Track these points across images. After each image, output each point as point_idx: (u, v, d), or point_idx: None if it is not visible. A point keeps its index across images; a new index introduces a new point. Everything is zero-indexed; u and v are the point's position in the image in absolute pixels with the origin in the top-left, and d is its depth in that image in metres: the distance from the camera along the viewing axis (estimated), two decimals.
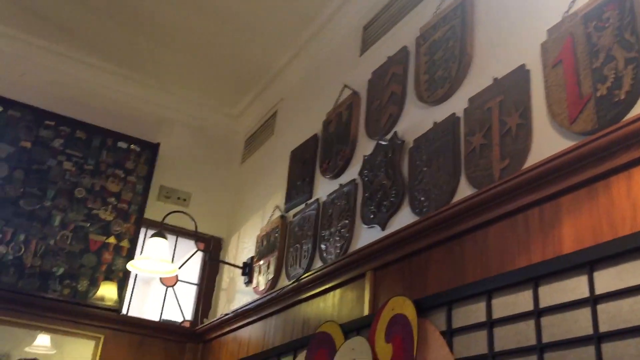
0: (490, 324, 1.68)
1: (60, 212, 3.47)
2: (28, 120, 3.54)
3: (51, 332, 3.27)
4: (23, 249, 3.31)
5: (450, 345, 1.77)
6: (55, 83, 3.75)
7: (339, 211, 2.69)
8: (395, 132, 2.45)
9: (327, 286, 2.53)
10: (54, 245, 3.40)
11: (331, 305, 2.49)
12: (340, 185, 2.75)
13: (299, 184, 3.20)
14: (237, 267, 3.49)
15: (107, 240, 3.56)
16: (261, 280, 3.18)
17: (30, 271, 3.30)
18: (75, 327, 3.33)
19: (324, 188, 2.92)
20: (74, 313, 3.35)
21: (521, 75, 1.91)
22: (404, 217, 2.22)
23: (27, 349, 3.19)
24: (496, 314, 1.67)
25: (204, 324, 3.55)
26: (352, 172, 2.71)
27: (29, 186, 3.43)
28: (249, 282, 3.35)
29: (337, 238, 2.63)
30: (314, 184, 3.05)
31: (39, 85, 3.69)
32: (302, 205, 3.05)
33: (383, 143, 2.51)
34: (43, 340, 3.25)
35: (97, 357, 3.30)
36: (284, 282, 2.92)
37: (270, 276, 3.08)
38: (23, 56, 3.70)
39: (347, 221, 2.61)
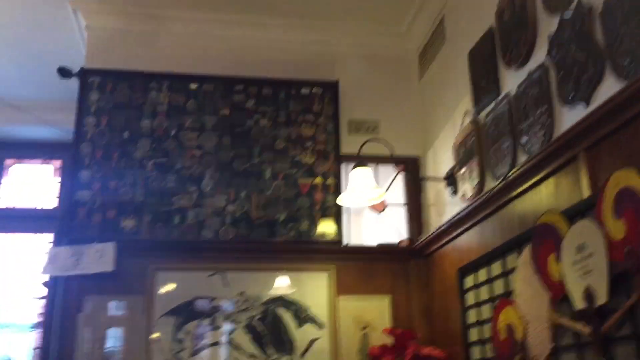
0: None
1: (268, 165, 3.79)
2: (221, 89, 3.87)
3: (287, 272, 3.62)
4: (247, 204, 3.69)
5: None
6: (233, 49, 4.03)
7: (534, 99, 2.57)
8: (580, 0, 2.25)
9: (537, 178, 2.45)
10: (271, 195, 3.74)
11: (546, 195, 2.42)
12: (529, 72, 2.61)
13: (483, 84, 3.10)
14: (440, 180, 3.52)
15: (314, 182, 3.82)
16: (467, 187, 3.18)
17: (258, 222, 3.68)
18: (307, 263, 3.65)
19: (511, 81, 2.80)
20: (303, 251, 3.68)
21: None
22: (609, 87, 2.05)
23: (271, 291, 3.58)
24: None
25: (421, 240, 3.67)
26: (539, 56, 2.55)
27: (237, 148, 3.79)
28: (454, 192, 3.37)
29: (538, 127, 2.52)
30: (500, 79, 2.93)
31: (220, 55, 4.00)
32: (492, 104, 2.96)
33: (567, 16, 2.32)
34: (283, 281, 3.62)
35: (333, 286, 3.61)
36: (491, 184, 2.89)
37: (476, 181, 3.06)
38: (199, 33, 4.02)
39: (544, 108, 2.48)
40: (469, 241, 3.12)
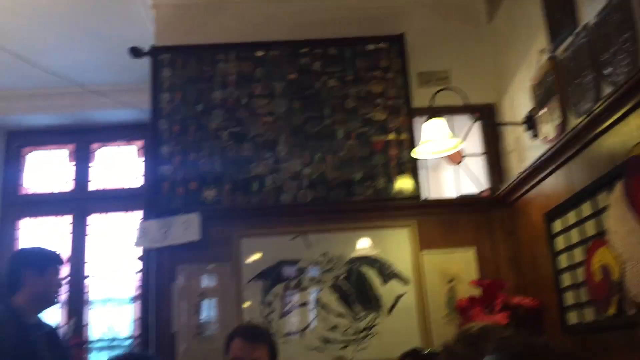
0: None
1: (340, 125, 3.78)
2: (287, 54, 3.87)
3: (368, 230, 3.61)
4: (323, 166, 3.71)
5: None
6: (296, 13, 4.00)
7: (616, 27, 2.41)
8: None
9: (625, 109, 2.30)
10: (345, 155, 3.73)
11: (636, 127, 2.28)
12: None
13: (558, 17, 2.93)
14: (519, 124, 3.39)
15: (387, 138, 3.77)
16: (549, 128, 3.04)
17: (335, 183, 3.69)
18: (387, 220, 3.63)
19: (589, 10, 2.63)
20: (382, 209, 3.66)
21: None
22: None
23: (354, 253, 3.58)
24: None
25: (503, 188, 3.56)
26: None
27: (308, 112, 3.80)
28: (535, 135, 3.24)
29: (622, 56, 2.37)
30: (576, 10, 2.76)
31: (284, 20, 3.99)
32: (570, 38, 2.80)
33: None
34: (364, 243, 3.62)
35: (415, 241, 3.57)
36: (575, 122, 2.75)
37: (558, 121, 2.93)
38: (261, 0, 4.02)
39: (628, 34, 2.32)
40: (555, 184, 3.00)
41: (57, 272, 2.68)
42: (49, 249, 2.76)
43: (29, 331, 2.52)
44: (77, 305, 4.64)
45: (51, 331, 2.72)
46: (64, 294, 4.29)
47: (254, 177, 3.69)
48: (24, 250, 2.71)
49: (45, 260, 2.68)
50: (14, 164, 4.80)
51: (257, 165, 3.70)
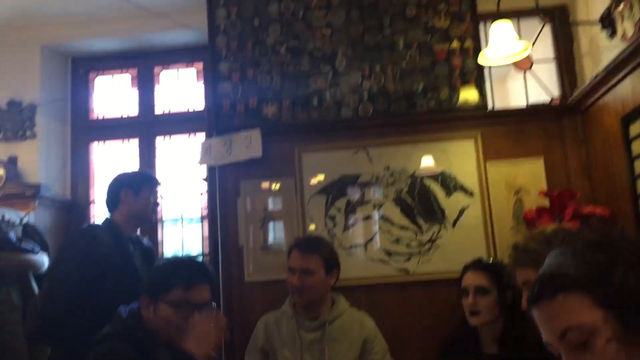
0: None
1: (400, 35, 3.63)
2: None
3: (431, 142, 3.51)
4: (383, 78, 3.60)
5: None
6: None
7: None
8: None
9: None
10: (406, 66, 3.61)
11: None
12: None
13: None
14: (594, 23, 3.15)
15: (451, 47, 3.60)
16: (627, 25, 2.82)
17: (395, 95, 3.59)
18: (450, 131, 3.52)
19: None
20: (445, 120, 3.54)
21: None
22: None
23: (416, 172, 3.51)
24: None
25: (576, 94, 3.37)
26: None
27: (366, 22, 3.66)
28: (612, 34, 3.01)
29: None
30: None
31: None
32: None
33: None
34: (427, 161, 3.53)
35: (479, 152, 3.47)
36: None
37: (638, 16, 2.70)
38: None
39: None
40: (633, 85, 2.80)
41: (152, 192, 2.81)
42: (146, 171, 2.88)
43: (126, 243, 2.65)
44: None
45: (148, 249, 2.86)
46: (159, 212, 4.49)
47: (313, 92, 3.64)
48: (122, 173, 2.86)
49: (141, 180, 2.81)
50: (82, 89, 4.92)
51: (316, 80, 3.64)
